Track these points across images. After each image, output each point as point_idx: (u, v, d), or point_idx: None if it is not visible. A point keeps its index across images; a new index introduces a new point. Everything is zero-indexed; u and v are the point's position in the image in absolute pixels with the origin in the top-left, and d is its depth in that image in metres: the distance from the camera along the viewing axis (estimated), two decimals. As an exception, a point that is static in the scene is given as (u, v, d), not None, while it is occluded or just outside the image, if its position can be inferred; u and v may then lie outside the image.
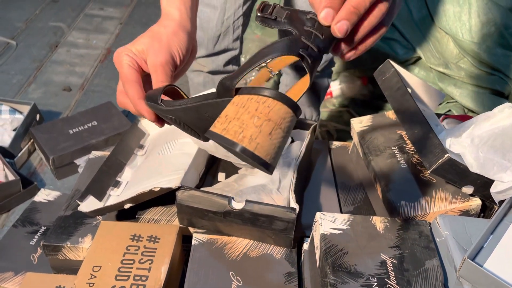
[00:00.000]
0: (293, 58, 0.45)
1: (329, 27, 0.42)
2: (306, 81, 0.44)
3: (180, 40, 0.58)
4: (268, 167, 0.40)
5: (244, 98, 0.42)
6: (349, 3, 0.42)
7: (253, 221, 0.65)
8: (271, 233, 0.66)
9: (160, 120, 0.55)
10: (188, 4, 0.61)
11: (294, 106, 0.41)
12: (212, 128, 0.42)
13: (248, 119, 0.40)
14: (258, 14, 0.45)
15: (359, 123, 0.83)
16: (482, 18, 1.58)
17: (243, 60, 1.65)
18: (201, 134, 0.52)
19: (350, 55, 0.46)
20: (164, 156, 0.78)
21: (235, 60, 1.17)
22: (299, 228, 0.71)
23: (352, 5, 0.41)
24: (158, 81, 0.55)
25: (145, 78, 0.58)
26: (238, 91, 0.44)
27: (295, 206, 0.65)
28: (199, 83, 1.22)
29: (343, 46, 0.44)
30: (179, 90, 0.54)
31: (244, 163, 0.77)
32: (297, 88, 0.47)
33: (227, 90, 0.44)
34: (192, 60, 0.63)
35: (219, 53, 1.12)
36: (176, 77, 0.59)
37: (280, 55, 0.42)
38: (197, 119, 0.48)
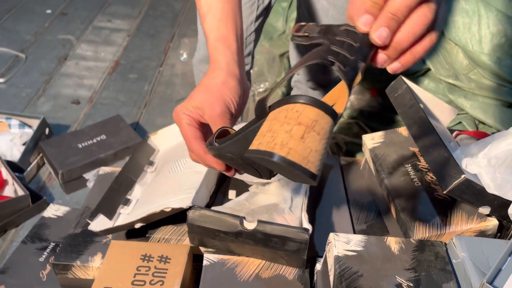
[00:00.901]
0: (344, 91, 0.43)
1: (367, 35, 0.41)
2: (343, 88, 0.43)
3: (231, 89, 0.59)
4: (305, 172, 0.38)
5: (275, 112, 0.42)
6: (387, 10, 0.40)
7: (265, 241, 0.64)
8: (283, 254, 0.65)
9: (228, 168, 0.57)
10: (234, 47, 0.62)
11: (325, 108, 0.40)
12: (249, 147, 0.41)
13: (278, 128, 0.40)
14: (292, 34, 0.45)
15: (371, 140, 0.83)
16: (492, 29, 1.56)
17: (251, 72, 1.64)
18: (261, 170, 0.51)
19: (397, 66, 0.43)
20: (175, 175, 0.77)
21: (246, 74, 1.17)
22: (312, 248, 0.70)
23: (390, 12, 0.40)
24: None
25: (207, 128, 0.60)
26: (270, 108, 0.44)
27: (308, 226, 0.64)
28: None
29: (385, 56, 0.43)
30: (231, 130, 0.55)
31: (256, 180, 0.76)
32: (333, 97, 0.46)
33: (263, 110, 0.44)
34: (246, 100, 0.64)
35: (231, 68, 1.12)
36: (234, 120, 0.61)
37: (306, 64, 0.41)
38: None
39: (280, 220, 0.68)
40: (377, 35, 0.41)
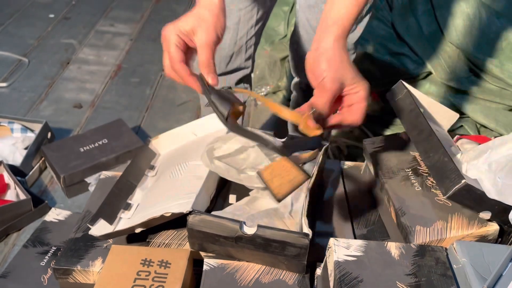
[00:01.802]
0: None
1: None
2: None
3: (222, 23, 0.67)
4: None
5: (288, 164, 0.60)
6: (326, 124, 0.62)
7: (265, 246, 0.64)
8: (283, 259, 0.65)
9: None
10: None
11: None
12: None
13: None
14: None
15: (371, 144, 0.82)
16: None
17: (252, 75, 1.65)
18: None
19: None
20: (176, 179, 0.77)
21: (246, 78, 1.17)
22: (312, 253, 0.70)
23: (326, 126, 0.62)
24: (206, 58, 0.65)
25: (191, 52, 0.68)
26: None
27: (308, 231, 0.64)
28: None
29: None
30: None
31: (256, 185, 0.76)
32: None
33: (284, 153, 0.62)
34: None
35: (231, 72, 1.12)
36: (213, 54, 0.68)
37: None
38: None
39: (280, 225, 0.68)
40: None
